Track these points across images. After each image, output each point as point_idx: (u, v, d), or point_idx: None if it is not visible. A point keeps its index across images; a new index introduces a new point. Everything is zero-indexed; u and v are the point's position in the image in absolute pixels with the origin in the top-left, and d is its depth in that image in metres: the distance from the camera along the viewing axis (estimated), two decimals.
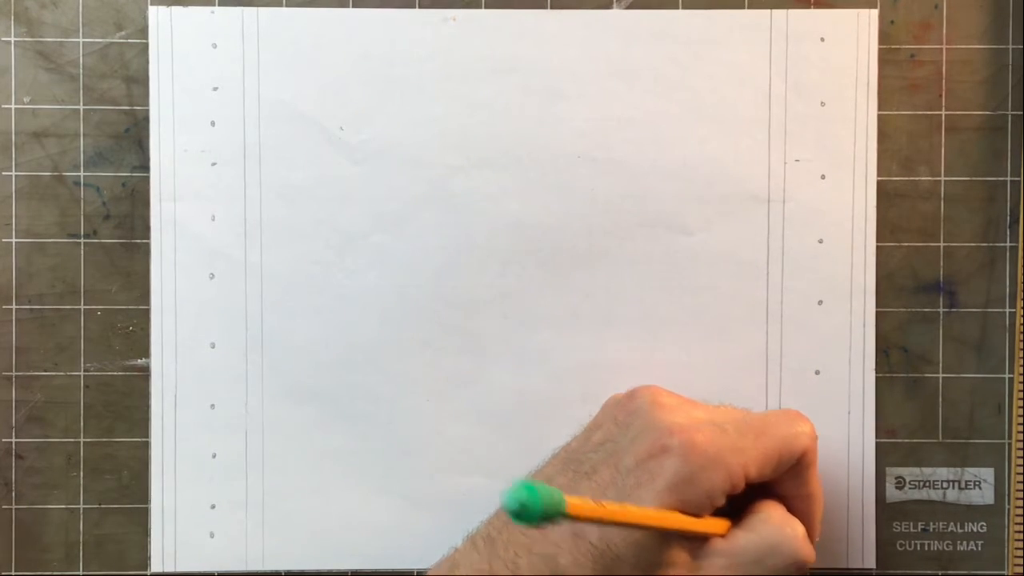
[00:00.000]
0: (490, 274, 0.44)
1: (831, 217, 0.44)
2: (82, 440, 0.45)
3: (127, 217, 0.45)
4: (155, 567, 0.44)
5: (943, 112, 0.45)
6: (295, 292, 0.44)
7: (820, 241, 0.44)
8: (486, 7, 0.44)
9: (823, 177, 0.44)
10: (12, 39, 0.44)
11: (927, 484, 0.45)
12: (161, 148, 0.44)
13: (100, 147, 0.45)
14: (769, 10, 0.44)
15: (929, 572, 0.45)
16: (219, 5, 0.44)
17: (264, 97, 0.44)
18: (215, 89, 0.44)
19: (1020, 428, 0.45)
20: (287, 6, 0.44)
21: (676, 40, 0.44)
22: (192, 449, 0.44)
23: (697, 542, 0.36)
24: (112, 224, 0.45)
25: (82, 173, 0.45)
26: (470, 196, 0.44)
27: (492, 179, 0.44)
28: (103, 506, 0.45)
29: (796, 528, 0.37)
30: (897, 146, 0.45)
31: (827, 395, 0.44)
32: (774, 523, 0.37)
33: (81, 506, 0.45)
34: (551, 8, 0.44)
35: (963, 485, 0.45)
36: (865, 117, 0.44)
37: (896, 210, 0.45)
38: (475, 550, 0.37)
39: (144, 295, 0.45)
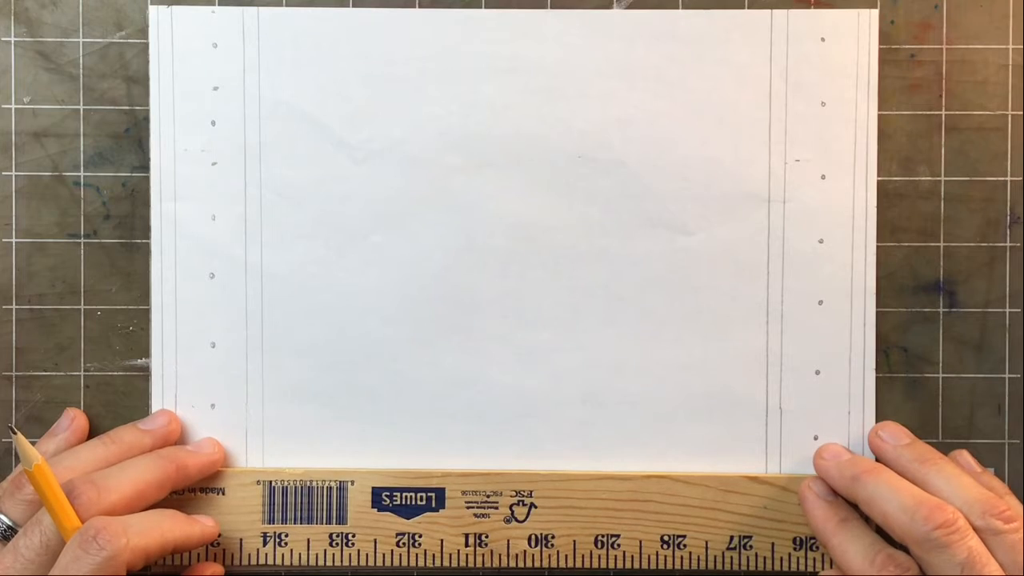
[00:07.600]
0: (490, 274, 0.44)
1: (831, 217, 0.44)
2: None
3: (127, 217, 0.45)
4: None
5: (943, 112, 0.45)
6: (295, 292, 0.44)
7: (820, 241, 0.44)
8: (486, 7, 0.44)
9: (823, 177, 0.44)
10: (12, 39, 0.44)
11: None
12: (161, 148, 0.44)
13: (100, 147, 0.45)
14: (769, 10, 0.44)
15: None
16: (219, 5, 0.44)
17: (264, 97, 0.44)
18: (215, 89, 0.44)
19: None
20: (287, 6, 0.44)
21: (676, 40, 0.44)
22: None
23: None
24: (112, 224, 0.45)
25: (82, 173, 0.45)
26: (470, 196, 0.44)
27: (492, 179, 0.44)
28: None
29: None
30: (897, 146, 0.45)
31: (827, 395, 0.44)
32: None
33: None
34: (551, 8, 0.44)
35: None
36: (865, 117, 0.44)
37: (896, 210, 0.45)
38: None
39: (144, 295, 0.45)
